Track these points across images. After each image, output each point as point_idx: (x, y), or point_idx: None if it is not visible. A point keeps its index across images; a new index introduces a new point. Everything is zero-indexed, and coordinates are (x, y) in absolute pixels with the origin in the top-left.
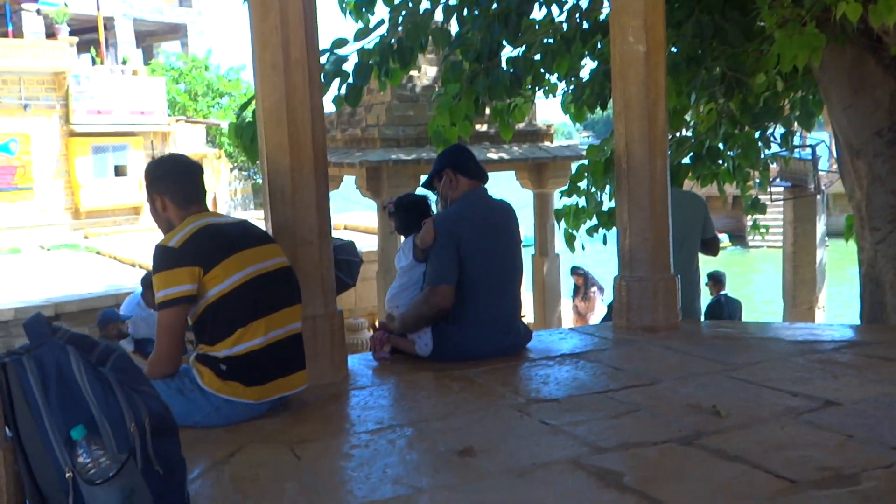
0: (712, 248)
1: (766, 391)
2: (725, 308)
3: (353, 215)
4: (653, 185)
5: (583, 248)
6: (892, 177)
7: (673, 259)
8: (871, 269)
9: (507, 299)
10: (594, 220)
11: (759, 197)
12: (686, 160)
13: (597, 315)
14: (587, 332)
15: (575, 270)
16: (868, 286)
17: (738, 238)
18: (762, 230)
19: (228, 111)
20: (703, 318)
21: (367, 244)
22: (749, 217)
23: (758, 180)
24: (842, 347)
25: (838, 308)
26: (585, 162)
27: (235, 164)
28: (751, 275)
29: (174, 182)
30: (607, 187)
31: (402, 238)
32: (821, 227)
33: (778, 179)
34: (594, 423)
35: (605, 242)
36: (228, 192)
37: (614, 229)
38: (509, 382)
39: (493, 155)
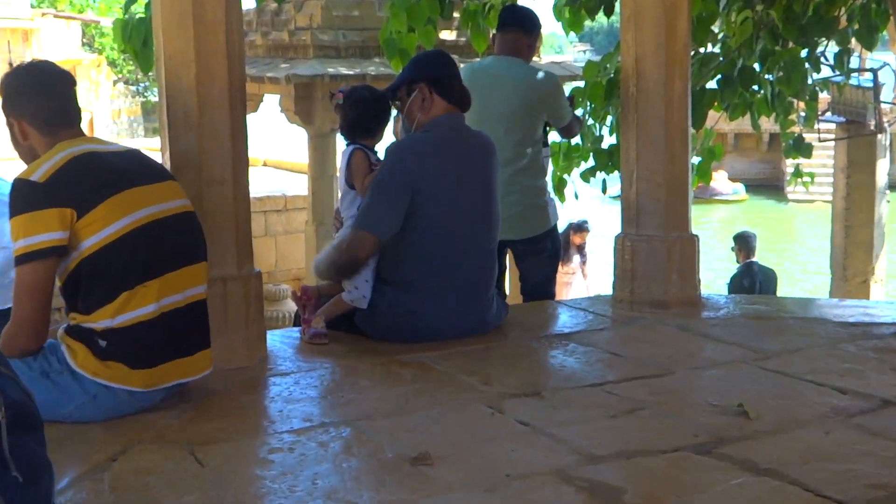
0: (570, 131)
1: (806, 387)
2: (756, 279)
3: (276, 147)
4: (669, 115)
5: (576, 196)
6: None
7: None
8: None
9: (477, 263)
10: (591, 161)
11: (804, 135)
12: (712, 84)
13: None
14: (578, 306)
15: (581, 227)
16: None
17: (774, 189)
18: (805, 179)
19: (112, 4)
20: (727, 292)
21: (294, 186)
22: (789, 161)
23: (803, 113)
24: None
25: None
26: (581, 84)
27: (121, 76)
28: (789, 237)
29: (36, 99)
30: (609, 117)
31: (343, 159)
32: (882, 177)
33: (829, 113)
34: (586, 425)
35: (604, 190)
36: (111, 113)
37: (616, 173)
38: (477, 370)
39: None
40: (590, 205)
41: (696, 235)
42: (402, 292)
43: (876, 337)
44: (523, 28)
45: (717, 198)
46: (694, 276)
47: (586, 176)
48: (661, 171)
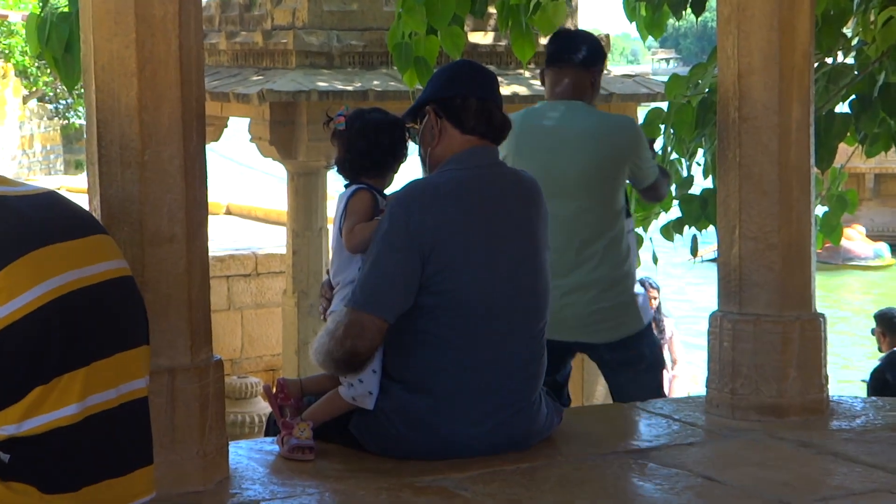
0: (656, 193)
1: None
2: None
3: (245, 188)
4: (784, 150)
5: (654, 259)
6: None
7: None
8: None
9: (517, 352)
10: (675, 212)
11: None
12: (843, 108)
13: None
14: (659, 411)
15: (643, 283)
16: None
17: None
18: None
19: None
20: (865, 392)
21: (267, 241)
22: None
23: None
24: None
25: None
26: (662, 105)
27: (34, 91)
28: None
29: None
30: (700, 151)
31: (339, 204)
32: None
33: None
34: None
35: (693, 252)
36: (20, 140)
37: (712, 229)
38: (521, 499)
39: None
40: (672, 271)
41: (823, 315)
42: (414, 394)
43: None
44: (584, 63)
45: (852, 262)
46: (819, 372)
47: (669, 232)
48: (773, 228)
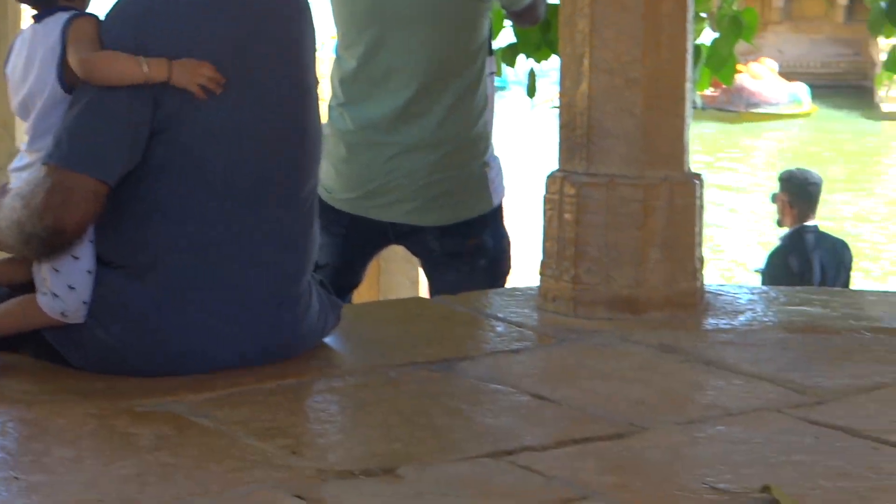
0: (533, 15)
1: (888, 454)
2: (812, 258)
3: None
4: None
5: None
6: None
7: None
8: None
9: (275, 225)
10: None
11: None
12: None
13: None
14: (474, 306)
15: None
16: None
17: (858, 93)
18: None
19: None
20: (760, 280)
21: None
22: (881, 43)
23: None
24: None
25: None
26: None
27: None
28: (878, 182)
29: None
30: None
31: (41, 38)
32: None
33: None
34: None
35: (531, 93)
36: None
37: (555, 59)
38: (279, 428)
39: None
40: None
41: (699, 176)
42: (135, 283)
43: None
44: None
45: (759, 109)
46: (691, 254)
47: (508, 59)
48: (635, 56)
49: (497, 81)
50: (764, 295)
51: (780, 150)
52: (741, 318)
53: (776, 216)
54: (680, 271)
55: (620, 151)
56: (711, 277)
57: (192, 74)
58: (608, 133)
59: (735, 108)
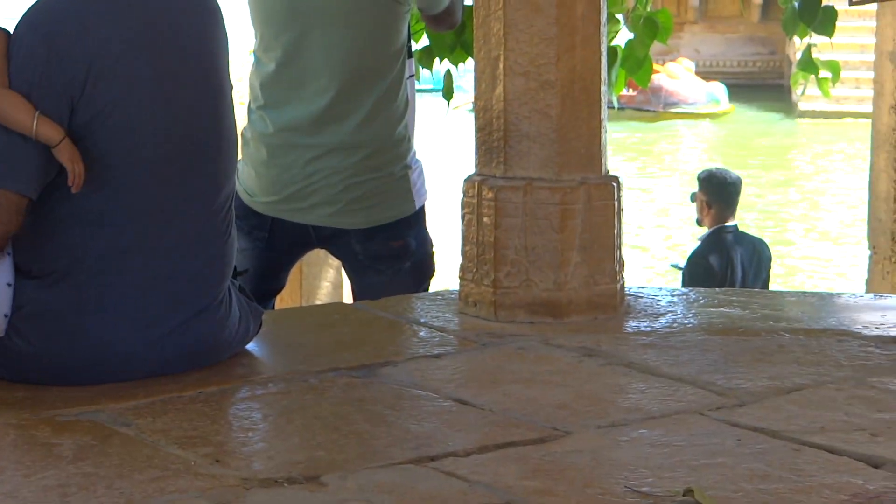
0: (452, 19)
1: (809, 456)
2: (733, 259)
3: None
4: None
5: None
6: None
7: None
8: None
9: (192, 232)
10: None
11: None
12: None
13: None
14: (394, 311)
15: None
16: None
17: (775, 92)
18: (824, 74)
19: None
20: (681, 281)
21: None
22: (796, 46)
23: None
24: None
25: None
26: None
27: None
28: (795, 181)
29: None
30: None
31: None
32: None
33: None
34: None
35: (447, 95)
36: None
37: (470, 62)
38: (201, 436)
39: None
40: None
41: (617, 179)
42: (53, 290)
43: None
44: None
45: (677, 109)
46: (611, 256)
47: (425, 61)
48: (550, 58)
49: (419, 83)
50: (684, 297)
51: (699, 149)
52: (662, 320)
53: (696, 216)
54: (600, 274)
55: (537, 154)
56: (633, 279)
57: (73, 158)
58: (524, 136)
59: (653, 108)
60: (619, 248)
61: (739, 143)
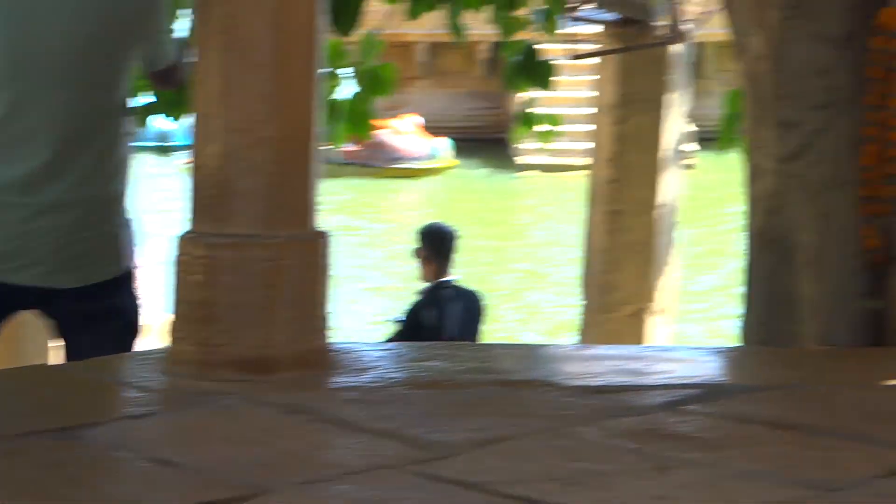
0: (175, 76)
1: None
2: (449, 311)
3: None
4: (285, 8)
5: None
6: (826, 9)
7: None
8: (770, 217)
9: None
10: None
11: (538, 48)
12: None
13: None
14: (99, 372)
15: None
16: (762, 256)
17: (500, 146)
18: (543, 127)
19: None
20: (397, 333)
21: None
22: (517, 98)
23: (542, 8)
24: (689, 400)
25: (702, 306)
26: None
27: None
28: (513, 235)
29: None
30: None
31: None
32: (676, 126)
33: (589, 6)
34: None
35: (164, 149)
36: None
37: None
38: None
39: None
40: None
41: (325, 234)
42: None
43: (635, 412)
44: None
45: (402, 164)
46: (320, 313)
47: (144, 118)
48: (266, 117)
49: (138, 140)
50: (392, 351)
51: (421, 204)
52: (368, 375)
53: (419, 271)
54: (308, 330)
55: (250, 211)
56: (353, 335)
57: None
58: (237, 193)
59: (378, 163)
60: (324, 305)
61: (461, 198)
